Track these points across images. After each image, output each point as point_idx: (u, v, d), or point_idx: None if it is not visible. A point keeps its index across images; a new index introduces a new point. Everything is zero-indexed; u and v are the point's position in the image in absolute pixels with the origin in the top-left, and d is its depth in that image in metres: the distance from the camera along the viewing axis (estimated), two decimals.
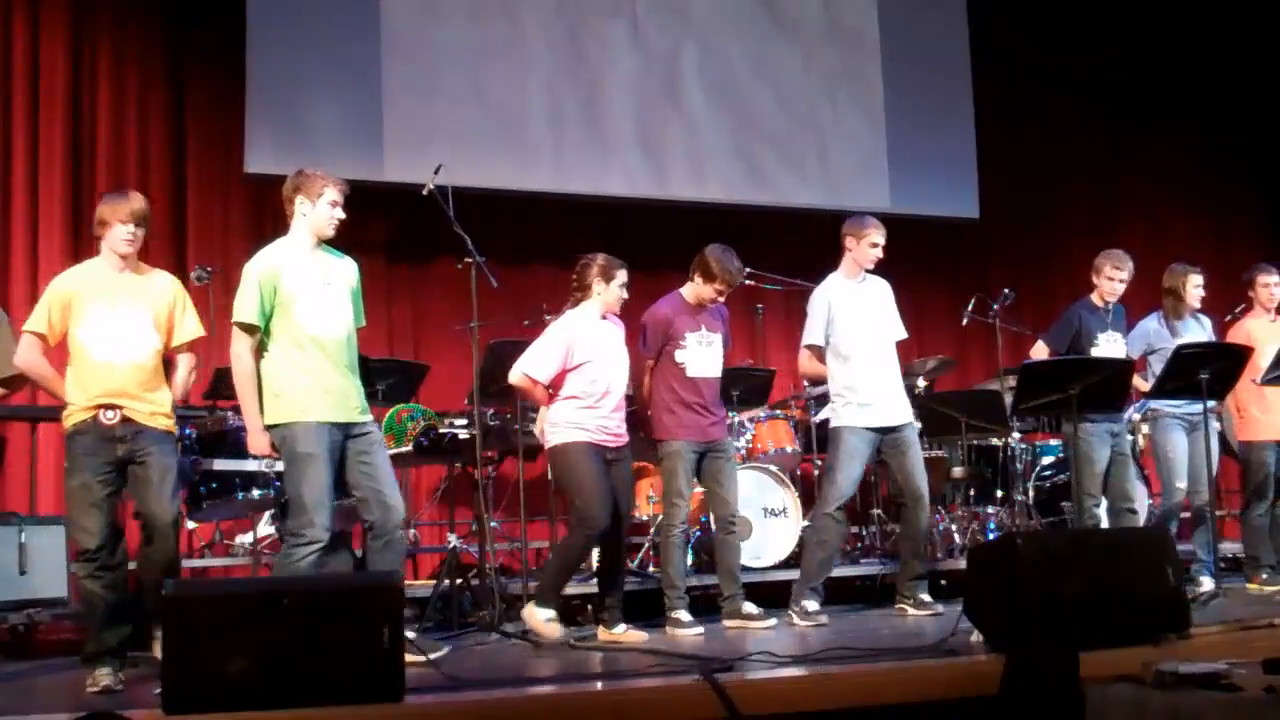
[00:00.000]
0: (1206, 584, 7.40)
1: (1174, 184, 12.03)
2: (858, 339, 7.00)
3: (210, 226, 9.34)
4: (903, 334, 7.22)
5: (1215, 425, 7.64)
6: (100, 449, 5.31)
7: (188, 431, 6.60)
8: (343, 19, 9.49)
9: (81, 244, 8.74)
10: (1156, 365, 7.49)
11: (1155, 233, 11.55)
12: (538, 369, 6.46)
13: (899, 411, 7.03)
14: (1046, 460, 8.92)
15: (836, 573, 7.38)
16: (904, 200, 10.87)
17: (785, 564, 8.00)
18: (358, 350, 5.76)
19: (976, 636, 5.15)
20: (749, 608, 6.75)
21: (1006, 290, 8.32)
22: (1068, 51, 11.53)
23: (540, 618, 6.29)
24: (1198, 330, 7.78)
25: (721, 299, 6.85)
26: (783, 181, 10.70)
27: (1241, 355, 7.25)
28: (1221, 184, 12.22)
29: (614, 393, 6.53)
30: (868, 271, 7.15)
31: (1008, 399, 7.79)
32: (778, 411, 8.79)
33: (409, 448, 7.22)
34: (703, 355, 6.79)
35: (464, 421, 7.48)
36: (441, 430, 7.38)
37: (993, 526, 8.94)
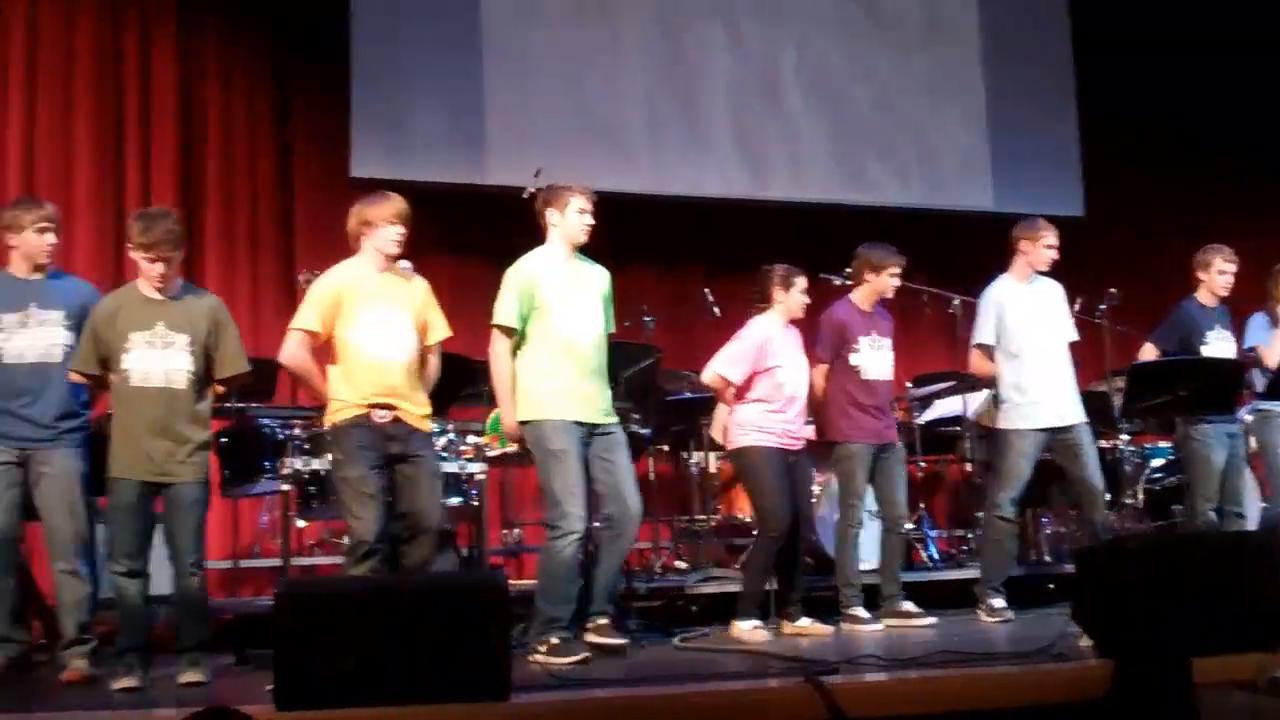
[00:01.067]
0: None
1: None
2: (1027, 339, 7.01)
3: (317, 231, 9.47)
4: (1074, 335, 7.21)
5: None
6: (374, 444, 5.46)
7: (296, 432, 6.71)
8: (445, 25, 9.62)
9: (192, 255, 8.92)
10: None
11: (1261, 231, 11.30)
12: (731, 370, 6.69)
13: (1070, 411, 6.98)
14: (1156, 463, 8.76)
15: (943, 575, 7.35)
16: (1007, 199, 10.76)
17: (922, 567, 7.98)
18: (607, 355, 6.03)
19: (1085, 641, 5.09)
20: (908, 606, 6.88)
21: (1112, 290, 8.20)
22: (1174, 43, 11.31)
23: (744, 628, 6.45)
24: None
25: (898, 281, 7.01)
26: (883, 182, 10.64)
27: None
28: None
29: (799, 397, 6.75)
30: (1039, 273, 7.17)
31: (1116, 401, 7.67)
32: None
33: (515, 447, 7.27)
34: (876, 358, 6.96)
35: None
36: None
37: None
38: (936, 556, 8.79)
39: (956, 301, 8.21)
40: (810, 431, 7.06)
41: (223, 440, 6.89)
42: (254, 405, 7.60)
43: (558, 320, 5.82)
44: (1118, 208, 11.17)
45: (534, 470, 8.85)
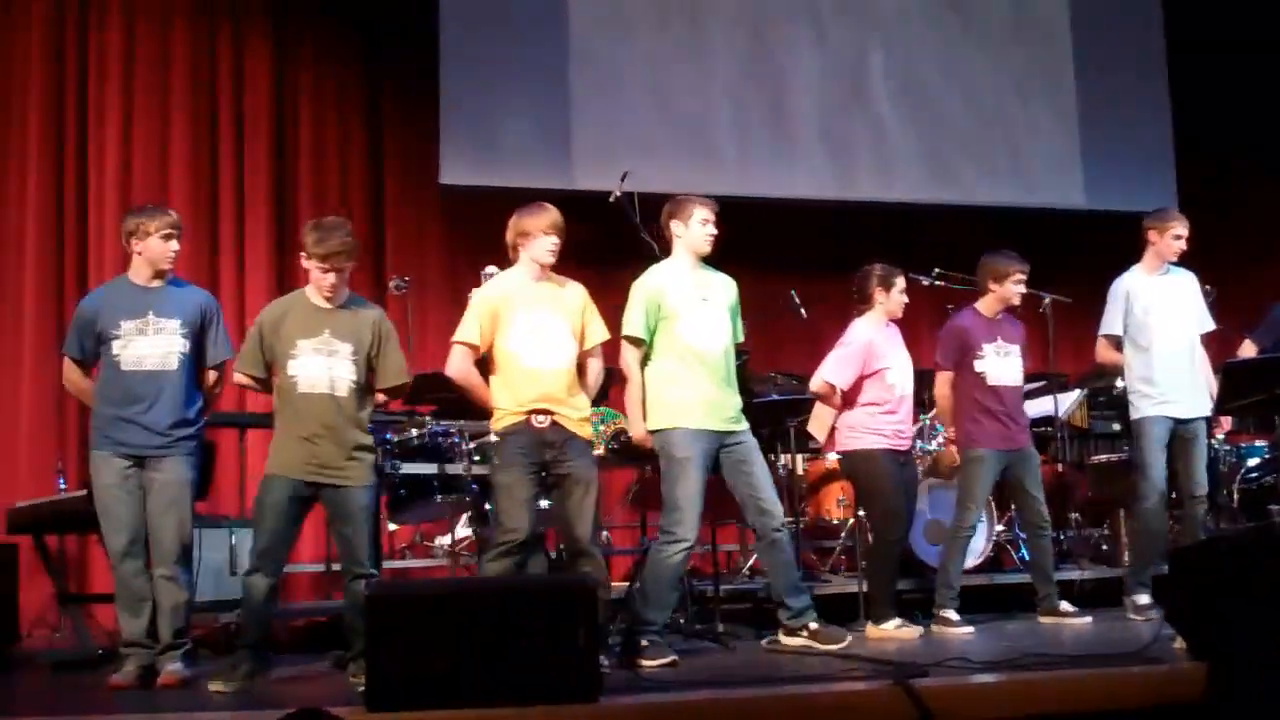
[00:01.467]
0: None
1: None
2: (1156, 330, 7.04)
3: (407, 237, 9.60)
4: (1210, 325, 7.20)
5: None
6: (532, 451, 5.58)
7: (388, 436, 6.79)
8: (532, 32, 9.69)
9: (286, 260, 9.08)
10: None
11: None
12: (838, 376, 6.82)
13: (1195, 404, 6.99)
14: (1252, 461, 8.62)
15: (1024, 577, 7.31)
16: (1099, 196, 10.65)
17: (976, 569, 7.91)
18: (734, 363, 6.16)
19: (1179, 643, 5.02)
20: (1064, 606, 6.97)
21: (1208, 288, 8.06)
22: (1269, 37, 11.10)
23: (888, 629, 6.57)
24: None
25: (1022, 289, 7.07)
26: (972, 180, 10.54)
27: None
28: None
29: (908, 396, 6.90)
30: (1172, 264, 7.21)
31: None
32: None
33: (600, 450, 7.31)
34: (1001, 364, 6.99)
35: None
36: None
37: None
38: (1028, 558, 8.68)
39: (1047, 300, 8.12)
40: (942, 437, 7.30)
41: None
42: None
43: (684, 330, 5.97)
44: (1212, 204, 10.98)
45: (622, 473, 9.00)
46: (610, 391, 7.93)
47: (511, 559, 5.51)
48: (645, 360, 6.04)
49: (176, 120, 9.10)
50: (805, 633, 6.02)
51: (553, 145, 9.56)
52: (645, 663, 5.60)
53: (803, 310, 8.00)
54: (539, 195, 9.32)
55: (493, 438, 5.79)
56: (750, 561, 8.60)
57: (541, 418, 5.59)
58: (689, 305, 6.02)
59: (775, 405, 7.64)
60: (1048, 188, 10.65)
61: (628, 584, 7.46)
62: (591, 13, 9.84)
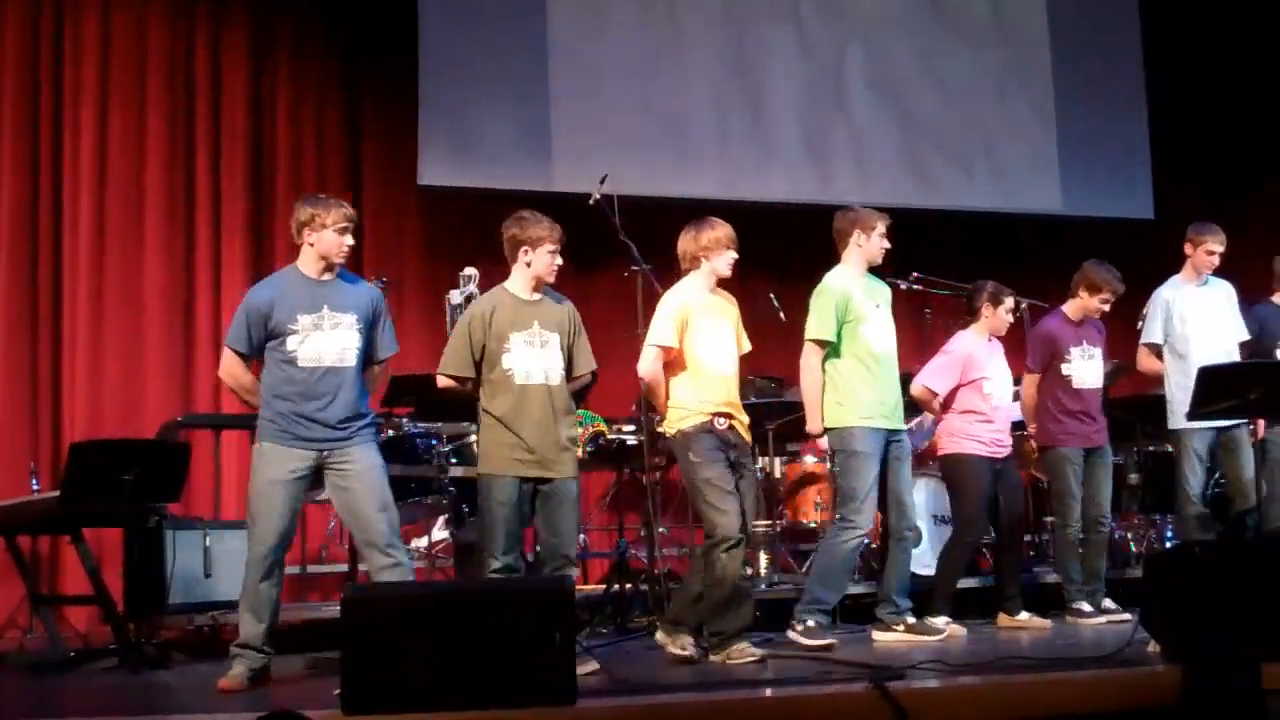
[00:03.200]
0: None
1: None
2: (1195, 339, 7.22)
3: (386, 238, 9.57)
4: (1244, 334, 7.36)
5: None
6: (721, 447, 5.85)
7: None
8: (512, 32, 9.66)
9: (262, 259, 9.05)
10: None
11: None
12: (936, 382, 7.17)
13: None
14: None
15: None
16: (1076, 202, 10.69)
17: None
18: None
19: (1153, 646, 5.05)
20: (1108, 603, 7.19)
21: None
22: (1247, 44, 11.16)
23: (938, 623, 6.68)
24: None
25: (1107, 308, 7.30)
26: (950, 184, 10.56)
27: None
28: None
29: (1004, 406, 7.23)
30: (1212, 275, 7.40)
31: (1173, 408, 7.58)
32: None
33: (579, 453, 7.30)
34: (1087, 367, 7.27)
35: (632, 428, 7.55)
36: (610, 436, 7.46)
37: (1170, 535, 8.71)
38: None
39: (1024, 306, 8.15)
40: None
41: None
42: None
43: (866, 333, 6.38)
44: (1189, 210, 10.99)
45: (600, 475, 8.99)
46: (588, 395, 7.94)
47: (739, 550, 5.72)
48: (827, 361, 6.40)
49: (153, 116, 9.03)
50: (901, 626, 6.45)
51: (532, 146, 9.52)
52: (801, 639, 6.08)
53: (781, 314, 8.01)
54: (518, 197, 9.35)
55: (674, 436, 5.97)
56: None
57: (722, 420, 5.88)
58: (868, 311, 6.42)
59: (755, 409, 7.63)
60: (1025, 192, 10.68)
61: (604, 587, 7.47)
62: (571, 12, 9.82)
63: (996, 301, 7.21)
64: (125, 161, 8.94)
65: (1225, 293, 7.40)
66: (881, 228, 6.53)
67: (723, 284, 6.18)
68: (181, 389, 8.83)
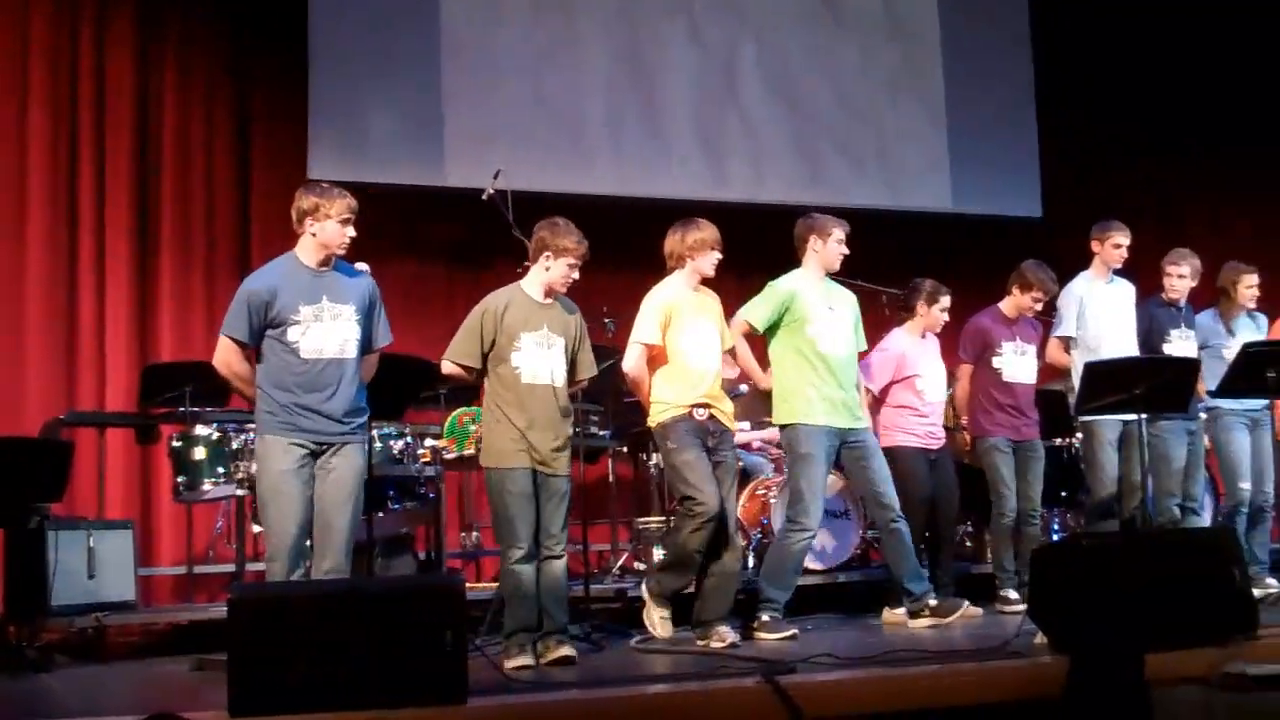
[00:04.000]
0: (1272, 584, 7.32)
1: (1240, 183, 11.86)
2: (1104, 335, 7.43)
3: (274, 233, 9.37)
4: (1134, 336, 7.55)
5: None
6: (699, 434, 6.10)
7: (251, 436, 6.65)
8: (404, 24, 9.55)
9: (148, 250, 8.88)
10: (1209, 362, 7.41)
11: (1222, 232, 11.39)
12: (870, 378, 7.30)
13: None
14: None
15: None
16: (966, 199, 10.83)
17: (847, 565, 7.99)
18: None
19: (1040, 638, 5.11)
20: (1012, 594, 7.29)
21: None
22: (1133, 46, 11.37)
23: (898, 614, 6.88)
24: (1251, 329, 7.75)
25: (1039, 306, 7.52)
26: (843, 181, 10.63)
27: None
28: None
29: (938, 401, 7.42)
30: (1115, 273, 7.63)
31: (1072, 399, 7.71)
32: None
33: (471, 450, 7.27)
34: (1018, 362, 7.46)
35: None
36: None
37: (1057, 528, 8.85)
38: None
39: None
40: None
41: (175, 445, 6.83)
42: (209, 409, 7.54)
43: (813, 334, 6.54)
44: (1077, 209, 11.20)
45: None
46: (481, 392, 7.88)
47: (711, 527, 5.97)
48: (779, 359, 6.61)
49: (35, 111, 8.79)
50: (927, 611, 6.59)
51: (424, 140, 9.42)
52: (764, 635, 6.25)
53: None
54: (410, 192, 9.27)
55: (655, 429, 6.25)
56: (621, 560, 8.60)
57: (701, 410, 6.14)
58: (818, 313, 6.58)
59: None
60: (917, 189, 10.79)
61: (498, 584, 7.41)
62: (465, 5, 9.72)
63: (932, 300, 7.39)
64: (5, 153, 8.69)
65: (1128, 292, 7.60)
66: (839, 234, 6.70)
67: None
68: (64, 386, 8.61)
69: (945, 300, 7.45)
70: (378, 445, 6.62)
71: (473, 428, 7.26)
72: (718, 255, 6.29)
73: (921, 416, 7.30)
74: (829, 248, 6.69)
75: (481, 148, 9.13)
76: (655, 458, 8.09)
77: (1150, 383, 6.66)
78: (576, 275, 5.86)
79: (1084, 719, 4.18)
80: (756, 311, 6.60)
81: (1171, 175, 11.72)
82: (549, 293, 5.83)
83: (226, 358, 5.40)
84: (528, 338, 5.71)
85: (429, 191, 9.38)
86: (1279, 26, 11.35)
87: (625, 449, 9.01)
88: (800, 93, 10.62)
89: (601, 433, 8.26)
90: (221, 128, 9.38)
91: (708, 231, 6.30)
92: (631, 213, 9.89)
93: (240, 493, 6.50)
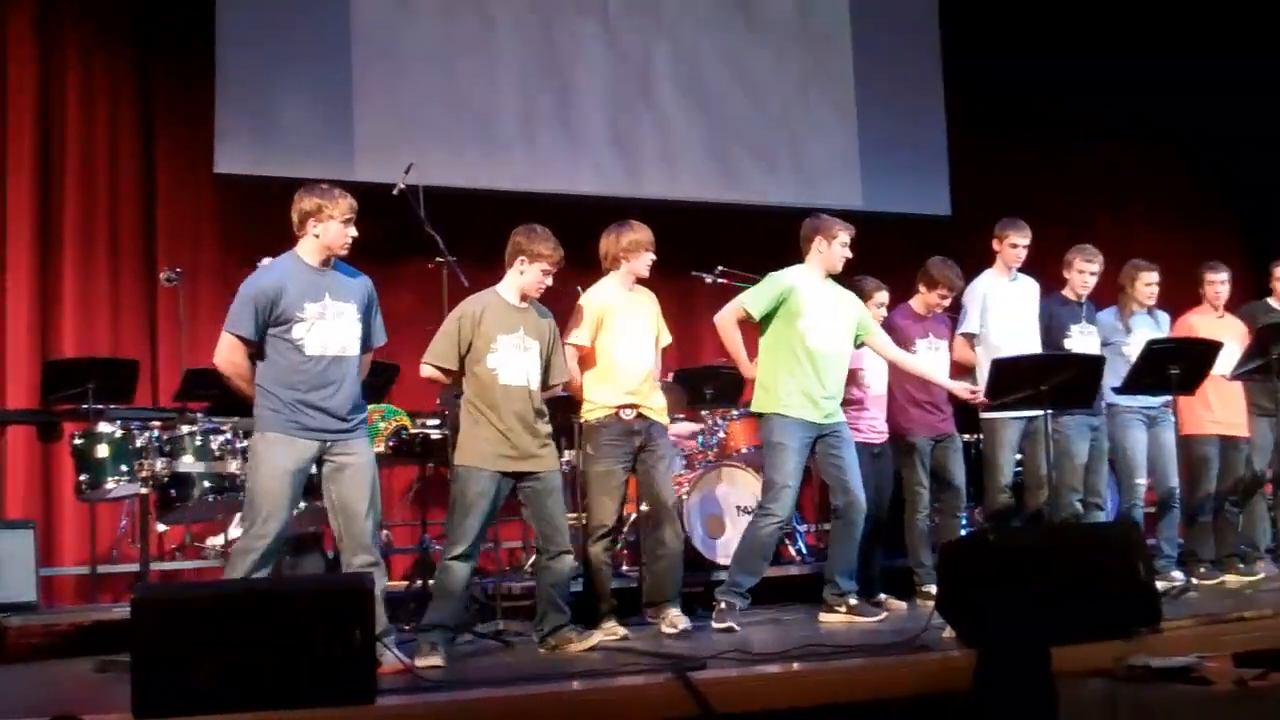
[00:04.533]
0: (1177, 577, 7.45)
1: (1146, 184, 12.08)
2: (1007, 332, 7.50)
3: (179, 228, 9.25)
4: (1038, 333, 7.62)
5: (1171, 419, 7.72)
6: (621, 439, 6.37)
7: (156, 434, 6.57)
8: (313, 15, 9.41)
9: (49, 249, 8.70)
10: (1110, 359, 7.51)
11: (1126, 230, 11.60)
12: None
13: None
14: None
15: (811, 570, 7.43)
16: (876, 198, 10.88)
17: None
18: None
19: (949, 632, 5.16)
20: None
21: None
22: (1040, 50, 11.51)
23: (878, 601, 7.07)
24: (1150, 326, 7.89)
25: (947, 303, 7.61)
26: (755, 179, 10.66)
27: (1210, 350, 7.30)
28: (1195, 187, 12.28)
29: (880, 396, 7.41)
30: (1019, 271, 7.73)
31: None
32: (751, 410, 8.81)
33: (380, 448, 7.19)
34: (932, 359, 7.48)
35: (436, 422, 7.47)
36: (413, 431, 7.37)
37: (965, 523, 8.93)
38: (805, 551, 8.87)
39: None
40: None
41: (77, 443, 6.71)
42: (112, 406, 7.41)
43: (805, 328, 6.60)
44: (985, 208, 11.31)
45: (403, 470, 8.89)
46: (392, 389, 7.82)
47: (606, 541, 6.39)
48: (766, 349, 6.70)
49: None
50: (844, 608, 6.66)
51: (334, 134, 9.28)
52: (716, 625, 6.37)
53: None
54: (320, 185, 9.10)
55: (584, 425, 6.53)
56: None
57: (628, 410, 6.38)
58: (818, 309, 6.65)
59: (561, 402, 7.62)
60: (828, 188, 10.81)
61: (407, 583, 7.37)
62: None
63: (866, 297, 7.32)
64: None
65: (1031, 290, 7.69)
66: (845, 237, 6.80)
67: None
68: None
69: (882, 296, 7.49)
70: None
71: (381, 425, 7.20)
72: (652, 256, 6.48)
73: (862, 410, 7.30)
74: (833, 250, 6.78)
75: (392, 142, 9.03)
76: (569, 454, 8.06)
77: (1056, 379, 6.76)
78: (550, 281, 6.00)
79: (992, 711, 4.22)
80: (754, 299, 6.70)
81: (1078, 176, 11.89)
82: (524, 297, 5.99)
83: (230, 355, 5.42)
84: (504, 340, 5.87)
85: (338, 186, 9.24)
86: (1183, 30, 11.55)
87: None
88: (713, 91, 10.63)
89: None
90: (125, 121, 9.18)
91: (642, 233, 6.49)
92: (545, 209, 9.86)
93: (144, 491, 6.41)
